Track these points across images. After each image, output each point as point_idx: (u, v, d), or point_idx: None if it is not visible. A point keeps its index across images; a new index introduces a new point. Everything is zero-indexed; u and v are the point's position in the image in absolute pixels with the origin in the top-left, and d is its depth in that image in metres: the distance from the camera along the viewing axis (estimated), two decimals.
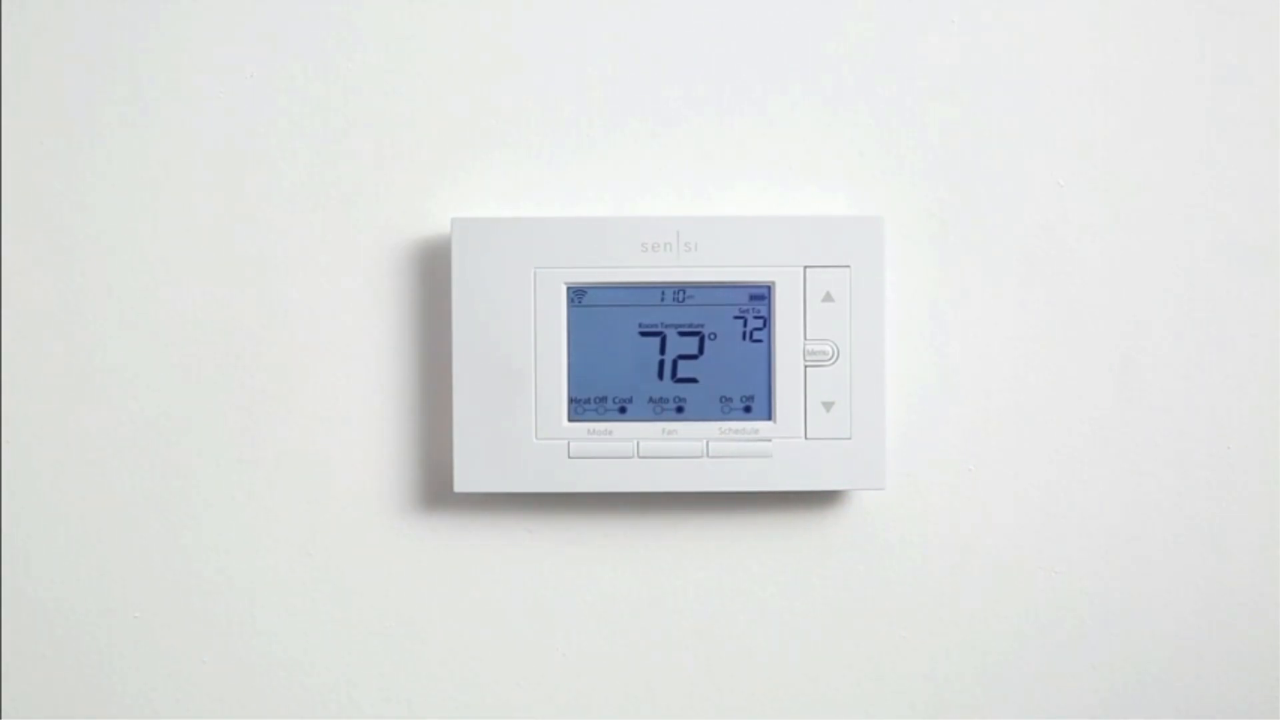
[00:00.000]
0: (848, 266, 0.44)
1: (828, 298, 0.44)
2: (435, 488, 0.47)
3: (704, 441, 0.44)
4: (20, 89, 0.47)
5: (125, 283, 0.47)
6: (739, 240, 0.44)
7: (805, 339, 0.44)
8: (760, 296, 0.44)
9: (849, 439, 0.44)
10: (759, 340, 0.44)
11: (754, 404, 0.45)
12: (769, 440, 0.44)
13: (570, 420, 0.44)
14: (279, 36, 0.46)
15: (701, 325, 0.44)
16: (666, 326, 0.44)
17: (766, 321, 0.44)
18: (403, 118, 0.47)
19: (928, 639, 0.48)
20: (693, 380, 0.44)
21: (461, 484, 0.45)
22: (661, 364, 0.44)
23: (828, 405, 0.44)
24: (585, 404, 0.45)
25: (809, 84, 0.47)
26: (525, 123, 0.47)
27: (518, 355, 0.44)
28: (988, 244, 0.47)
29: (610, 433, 0.44)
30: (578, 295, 0.44)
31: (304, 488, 0.47)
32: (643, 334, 0.44)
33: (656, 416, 0.44)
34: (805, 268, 0.44)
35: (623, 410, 0.45)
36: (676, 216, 0.45)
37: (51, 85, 0.46)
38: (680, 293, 0.44)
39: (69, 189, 0.47)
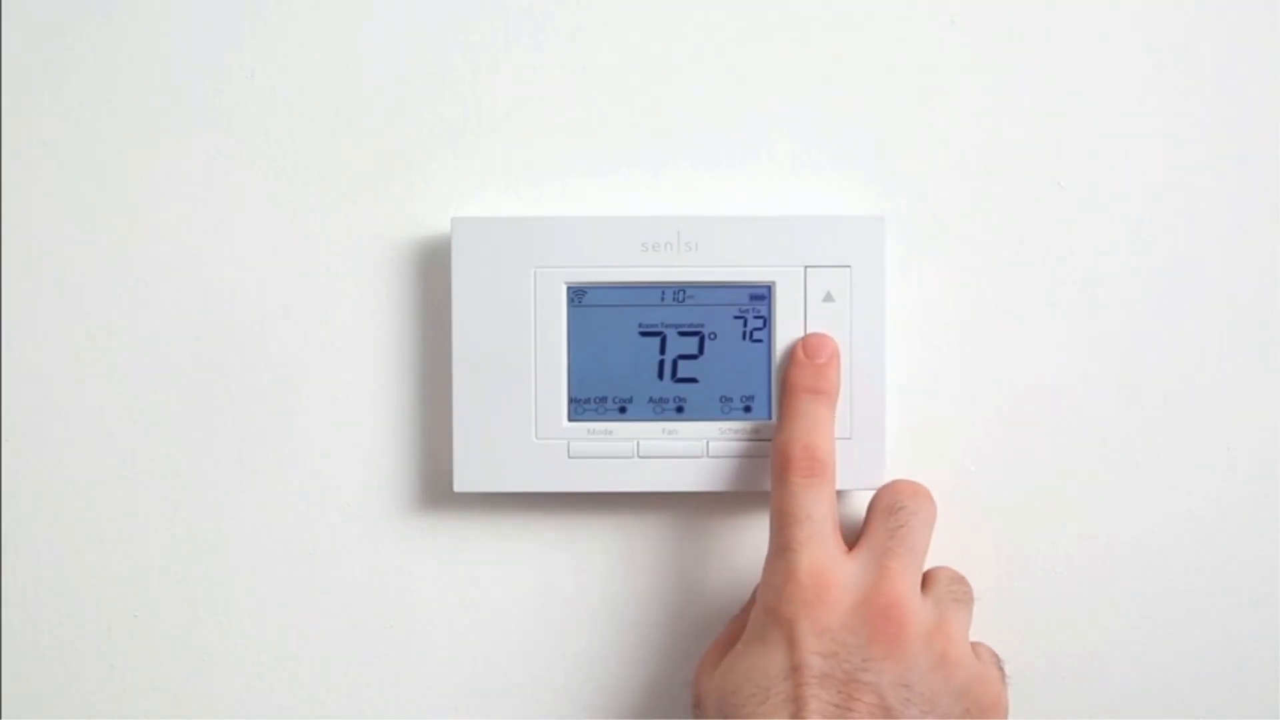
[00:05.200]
0: (848, 266, 0.44)
1: (828, 298, 0.44)
2: (435, 488, 0.47)
3: (704, 441, 0.44)
4: (20, 89, 0.47)
5: (125, 283, 0.47)
6: (739, 240, 0.44)
7: None
8: (760, 296, 0.44)
9: (849, 439, 0.44)
10: (759, 340, 0.44)
11: (754, 404, 0.44)
12: (769, 440, 0.44)
13: (570, 420, 0.44)
14: (279, 36, 0.46)
15: (701, 325, 0.44)
16: (666, 326, 0.44)
17: (767, 321, 0.44)
18: (403, 117, 0.46)
19: None
20: (693, 380, 0.44)
21: (461, 484, 0.45)
22: (661, 364, 0.44)
23: None
24: (585, 404, 0.44)
25: (809, 83, 0.47)
26: (525, 123, 0.47)
27: (517, 355, 0.44)
28: (988, 244, 0.47)
29: (610, 433, 0.44)
30: (578, 295, 0.44)
31: (304, 488, 0.47)
32: (643, 334, 0.44)
33: (656, 416, 0.44)
34: (806, 268, 0.44)
35: (623, 410, 0.44)
36: (676, 216, 0.45)
37: (51, 85, 0.46)
38: (680, 292, 0.44)
39: (69, 189, 0.47)
